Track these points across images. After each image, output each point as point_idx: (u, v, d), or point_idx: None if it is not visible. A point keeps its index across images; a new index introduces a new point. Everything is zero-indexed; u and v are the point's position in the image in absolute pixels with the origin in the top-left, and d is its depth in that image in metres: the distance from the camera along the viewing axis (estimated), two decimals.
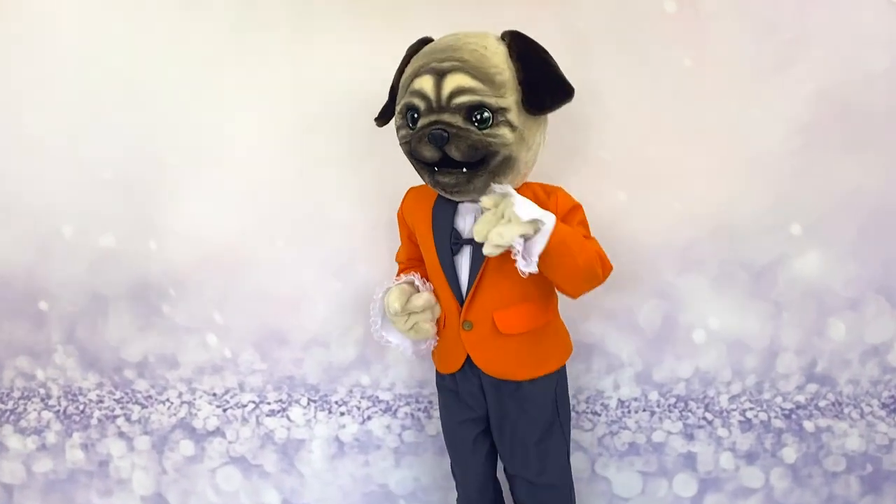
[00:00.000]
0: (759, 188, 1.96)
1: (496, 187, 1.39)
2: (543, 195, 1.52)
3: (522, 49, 1.43)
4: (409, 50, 1.53)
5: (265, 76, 1.93)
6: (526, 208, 1.29)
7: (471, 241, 1.48)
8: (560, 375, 1.63)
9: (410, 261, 1.70)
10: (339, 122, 1.93)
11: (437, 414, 1.99)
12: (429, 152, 1.38)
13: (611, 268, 1.49)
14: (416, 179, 1.57)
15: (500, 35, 1.47)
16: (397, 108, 1.49)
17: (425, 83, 1.39)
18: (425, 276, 1.62)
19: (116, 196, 1.96)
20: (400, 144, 1.50)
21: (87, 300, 2.01)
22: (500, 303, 1.50)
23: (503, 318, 1.50)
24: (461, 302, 1.52)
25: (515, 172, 1.46)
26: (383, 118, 1.58)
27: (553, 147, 1.75)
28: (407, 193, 1.67)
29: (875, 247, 1.96)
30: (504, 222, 1.27)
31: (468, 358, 1.55)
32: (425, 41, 1.52)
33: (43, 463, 2.07)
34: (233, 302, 2.00)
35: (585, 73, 1.88)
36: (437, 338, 1.59)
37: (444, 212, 1.53)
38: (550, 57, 1.47)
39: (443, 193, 1.50)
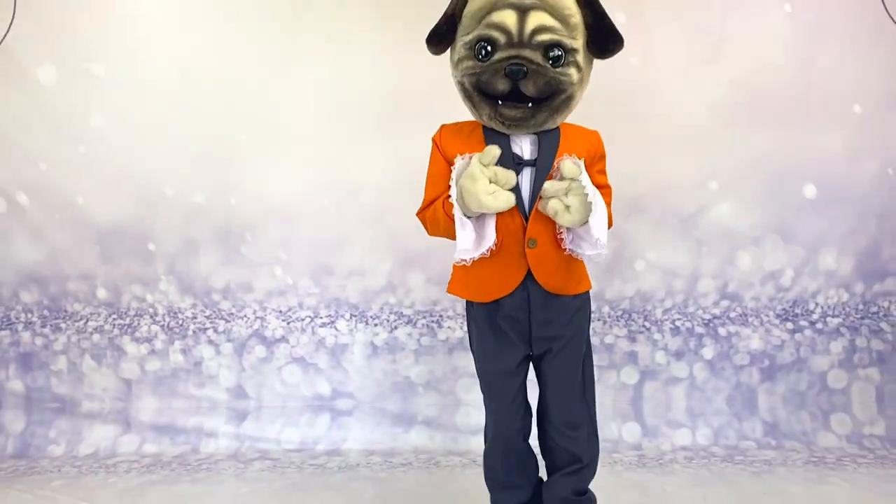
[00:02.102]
0: (687, 154, 2.60)
1: (571, 161, 1.42)
2: (580, 136, 1.58)
3: None
4: None
5: (315, 73, 2.56)
6: (597, 199, 1.38)
7: (532, 163, 1.50)
8: (589, 303, 1.67)
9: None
10: (370, 109, 2.56)
11: (447, 324, 2.68)
12: (502, 85, 1.40)
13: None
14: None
15: None
16: (465, 39, 1.47)
17: (507, 17, 1.41)
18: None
19: (204, 164, 2.61)
20: (460, 76, 1.49)
21: (184, 242, 2.67)
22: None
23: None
24: (526, 219, 1.51)
25: (570, 110, 1.51)
26: (440, 45, 1.52)
27: None
28: (442, 130, 1.61)
29: (773, 199, 2.62)
30: (576, 206, 1.38)
31: (526, 278, 1.54)
32: None
33: (153, 364, 2.75)
34: (293, 243, 2.67)
35: None
36: (496, 246, 1.49)
37: (499, 140, 1.50)
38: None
39: (499, 126, 1.49)
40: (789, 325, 2.69)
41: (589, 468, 1.71)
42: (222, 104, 2.58)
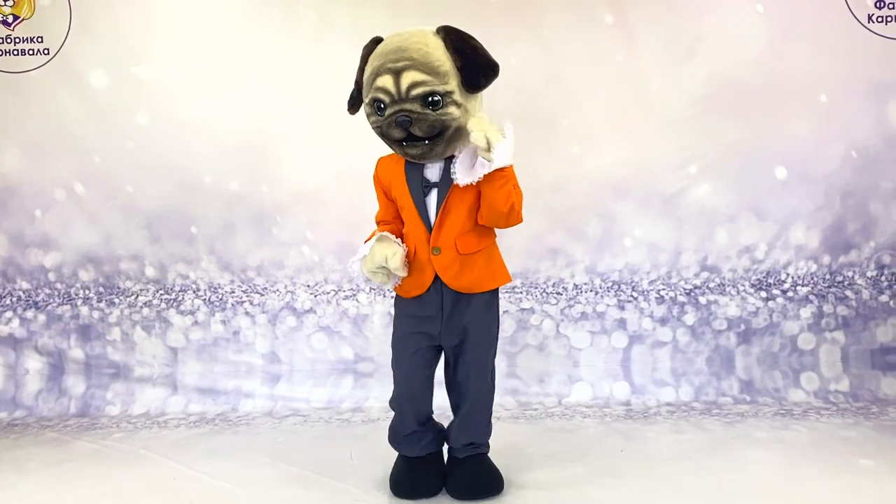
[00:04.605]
0: (669, 140, 2.88)
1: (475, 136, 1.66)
2: None
3: (456, 42, 1.73)
4: (364, 49, 1.82)
5: (338, 72, 2.73)
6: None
7: (436, 185, 1.81)
8: (497, 295, 1.95)
9: (385, 222, 1.98)
10: None
11: None
12: (397, 133, 1.71)
13: (519, 220, 1.80)
14: None
15: (435, 30, 1.76)
16: (365, 101, 1.78)
17: (386, 81, 1.69)
18: (398, 235, 1.90)
19: (240, 156, 2.92)
20: (372, 128, 1.80)
21: (222, 225, 2.99)
22: (458, 230, 1.81)
23: (462, 241, 1.82)
24: (430, 231, 1.82)
25: (463, 136, 1.77)
26: (354, 107, 1.87)
27: (532, 116, 2.68)
28: (378, 163, 1.97)
29: (747, 180, 2.90)
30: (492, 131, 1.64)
31: (435, 279, 1.83)
32: (377, 41, 1.80)
33: (196, 333, 3.08)
34: (319, 225, 2.98)
35: (551, 65, 2.83)
36: (406, 275, 1.84)
37: (415, 167, 1.85)
38: (477, 42, 1.75)
39: (411, 160, 1.82)
40: (763, 294, 2.98)
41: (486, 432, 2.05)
42: (255, 101, 2.89)
